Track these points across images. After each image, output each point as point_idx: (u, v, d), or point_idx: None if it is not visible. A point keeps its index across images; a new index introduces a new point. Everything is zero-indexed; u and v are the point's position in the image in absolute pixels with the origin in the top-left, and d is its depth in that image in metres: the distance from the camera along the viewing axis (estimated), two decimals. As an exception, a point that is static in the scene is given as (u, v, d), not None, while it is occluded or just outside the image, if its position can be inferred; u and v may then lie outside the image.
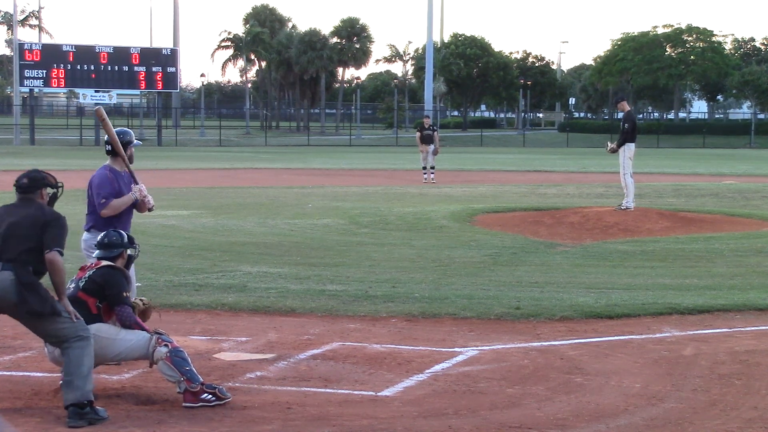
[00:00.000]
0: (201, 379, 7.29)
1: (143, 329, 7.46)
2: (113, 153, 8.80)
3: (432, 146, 32.53)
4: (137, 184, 8.82)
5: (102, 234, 7.87)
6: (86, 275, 7.50)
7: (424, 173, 32.74)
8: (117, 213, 8.65)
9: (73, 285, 7.46)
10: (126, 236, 7.83)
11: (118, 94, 72.11)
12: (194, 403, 7.19)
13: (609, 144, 20.56)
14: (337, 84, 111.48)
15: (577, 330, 10.04)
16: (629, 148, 19.66)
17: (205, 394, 7.22)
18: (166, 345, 7.36)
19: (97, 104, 8.88)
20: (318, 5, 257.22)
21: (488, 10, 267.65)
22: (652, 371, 8.42)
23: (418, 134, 33.87)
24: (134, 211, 8.89)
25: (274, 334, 9.74)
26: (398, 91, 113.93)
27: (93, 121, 70.85)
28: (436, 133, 33.12)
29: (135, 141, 8.98)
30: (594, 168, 43.19)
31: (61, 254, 6.90)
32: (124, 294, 7.47)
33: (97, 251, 7.73)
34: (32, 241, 6.88)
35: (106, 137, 8.86)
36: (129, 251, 7.79)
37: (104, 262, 7.56)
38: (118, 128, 9.04)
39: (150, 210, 8.97)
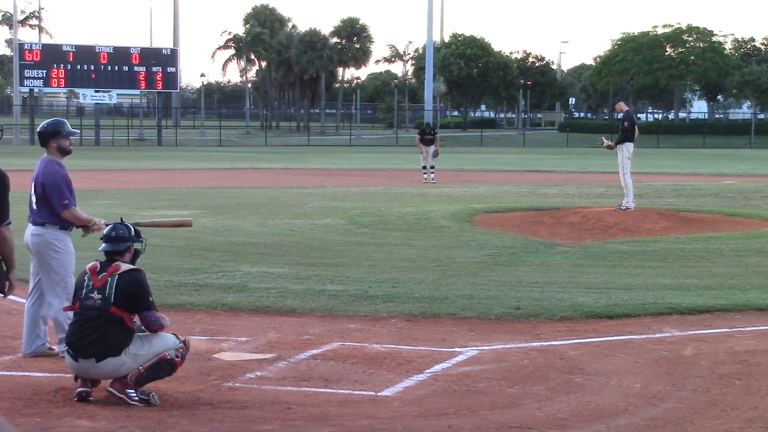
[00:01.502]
0: (143, 387, 7.29)
1: (162, 325, 7.38)
2: (42, 144, 8.66)
3: (433, 147, 32.62)
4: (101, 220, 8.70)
5: (108, 227, 7.66)
6: (110, 284, 7.28)
7: (424, 173, 32.78)
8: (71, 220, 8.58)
9: (98, 296, 7.26)
10: (133, 229, 7.67)
11: (118, 94, 72.07)
12: (118, 392, 7.20)
13: (604, 140, 20.50)
14: (337, 84, 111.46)
15: (577, 330, 10.04)
16: (627, 148, 19.65)
17: (134, 393, 7.22)
18: (178, 357, 7.38)
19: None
20: (318, 5, 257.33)
21: (488, 10, 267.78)
22: (652, 371, 8.42)
23: (418, 136, 33.95)
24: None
25: (274, 334, 9.73)
26: (398, 91, 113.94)
27: (93, 121, 70.99)
28: (437, 136, 33.30)
29: (70, 129, 8.71)
30: (594, 168, 43.20)
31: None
32: (151, 299, 7.37)
33: (104, 245, 7.54)
34: None
35: (39, 127, 8.73)
36: (135, 245, 7.67)
37: (124, 266, 7.38)
38: (53, 119, 8.93)
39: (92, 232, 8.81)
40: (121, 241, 7.55)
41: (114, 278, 7.31)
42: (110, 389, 7.27)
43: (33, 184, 8.67)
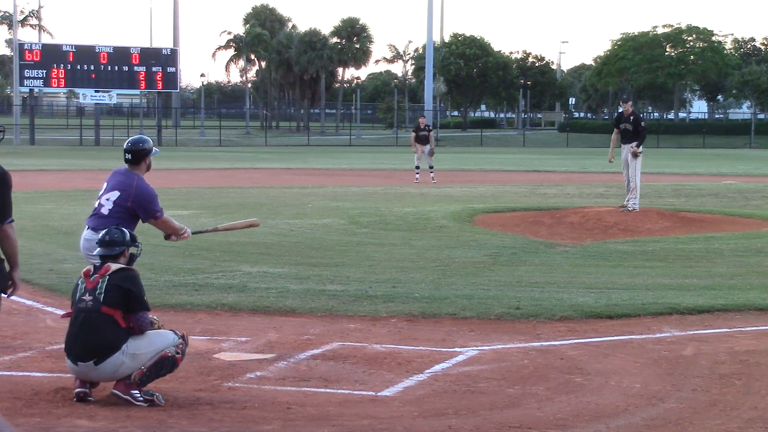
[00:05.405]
0: (146, 386, 7.29)
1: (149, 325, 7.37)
2: (134, 162, 8.61)
3: (428, 146, 32.66)
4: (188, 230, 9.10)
5: (103, 231, 7.65)
6: (101, 285, 7.27)
7: (416, 173, 32.82)
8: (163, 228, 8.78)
9: (89, 297, 7.26)
10: (128, 234, 7.65)
11: (118, 94, 72.02)
12: (123, 393, 7.20)
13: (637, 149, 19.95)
14: (337, 84, 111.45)
15: (577, 330, 10.04)
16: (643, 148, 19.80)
17: (138, 393, 7.21)
18: (178, 353, 7.39)
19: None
20: (318, 5, 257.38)
21: (488, 10, 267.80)
22: (652, 371, 8.42)
23: (413, 134, 34.03)
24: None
25: (274, 334, 9.73)
26: (398, 91, 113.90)
27: (93, 120, 71.04)
28: (431, 133, 33.32)
29: (155, 149, 8.79)
30: (594, 168, 43.18)
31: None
32: (145, 298, 7.35)
33: (98, 249, 7.53)
34: None
35: (133, 144, 8.67)
36: (131, 249, 7.63)
37: (115, 266, 7.37)
38: (137, 136, 8.89)
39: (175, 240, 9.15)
40: (115, 245, 7.52)
41: (105, 279, 7.29)
42: (115, 391, 7.25)
43: (109, 192, 8.58)
